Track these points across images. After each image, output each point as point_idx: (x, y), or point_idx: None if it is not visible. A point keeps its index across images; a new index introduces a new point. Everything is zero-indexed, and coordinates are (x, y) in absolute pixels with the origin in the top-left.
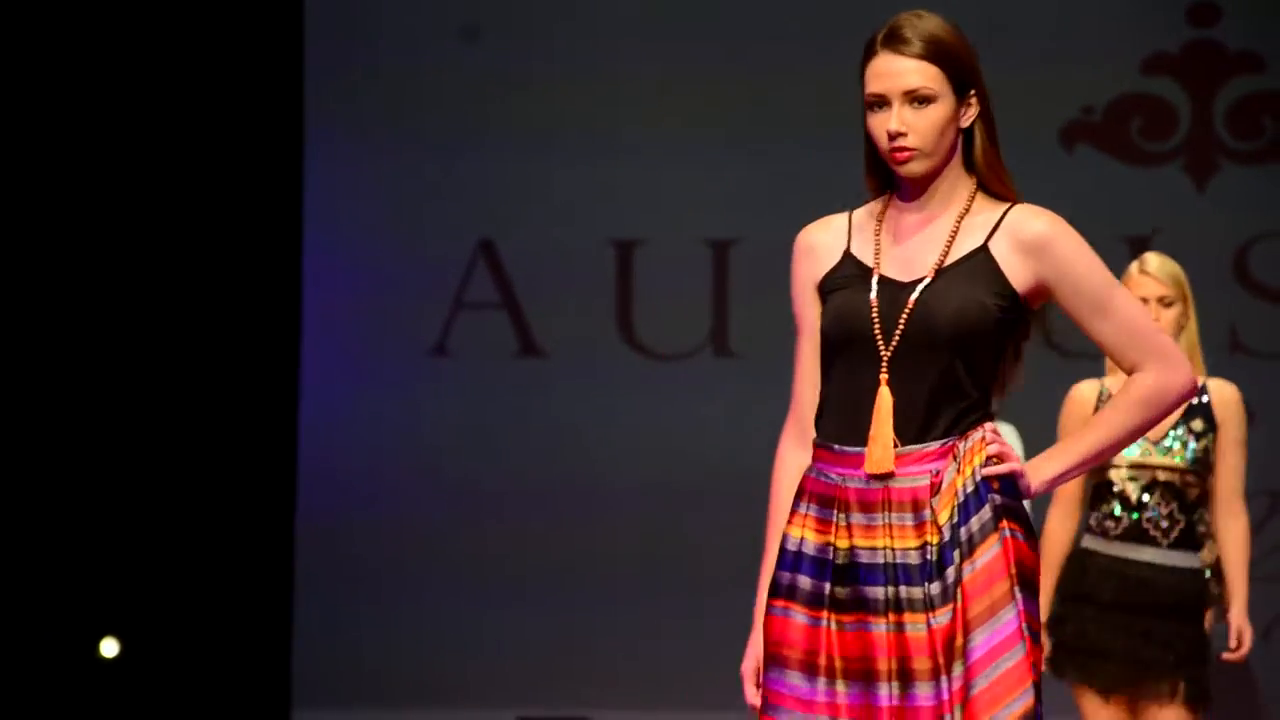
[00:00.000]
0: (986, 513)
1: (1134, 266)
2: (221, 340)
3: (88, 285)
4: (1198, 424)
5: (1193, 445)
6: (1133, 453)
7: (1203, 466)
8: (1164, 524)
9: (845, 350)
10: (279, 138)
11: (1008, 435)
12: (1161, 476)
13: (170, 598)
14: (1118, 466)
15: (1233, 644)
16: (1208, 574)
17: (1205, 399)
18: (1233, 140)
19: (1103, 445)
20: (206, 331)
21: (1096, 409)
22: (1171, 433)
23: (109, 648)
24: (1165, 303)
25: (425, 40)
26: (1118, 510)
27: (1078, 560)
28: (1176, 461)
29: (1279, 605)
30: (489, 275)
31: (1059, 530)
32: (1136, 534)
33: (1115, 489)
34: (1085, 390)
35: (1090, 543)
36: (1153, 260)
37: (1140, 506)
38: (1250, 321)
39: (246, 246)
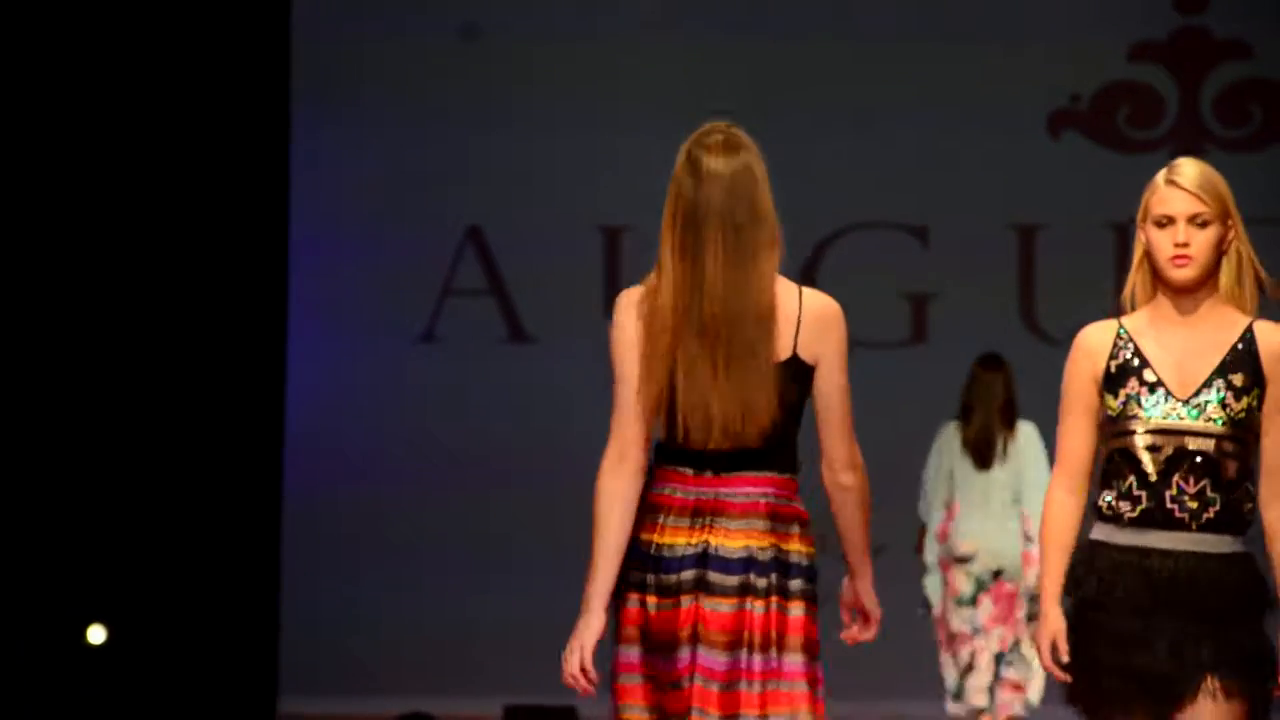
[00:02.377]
0: None
1: (1160, 176)
2: (208, 328)
3: (73, 273)
4: (1239, 378)
5: (1232, 405)
6: (1155, 414)
7: (1245, 432)
8: (1192, 505)
9: None
10: (265, 124)
11: (1028, 434)
12: (1191, 444)
13: (157, 585)
14: (1137, 432)
15: None
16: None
17: (1241, 345)
18: (1220, 127)
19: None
20: (193, 319)
21: (1113, 354)
22: (1206, 389)
23: (96, 634)
24: (1198, 222)
25: (414, 28)
26: (1135, 487)
27: (1084, 555)
28: (1212, 425)
29: None
30: (477, 262)
31: (1063, 503)
32: (1158, 517)
33: (1132, 460)
34: (1095, 336)
35: (1100, 532)
36: (1186, 167)
37: (1162, 483)
38: None
39: (233, 234)
